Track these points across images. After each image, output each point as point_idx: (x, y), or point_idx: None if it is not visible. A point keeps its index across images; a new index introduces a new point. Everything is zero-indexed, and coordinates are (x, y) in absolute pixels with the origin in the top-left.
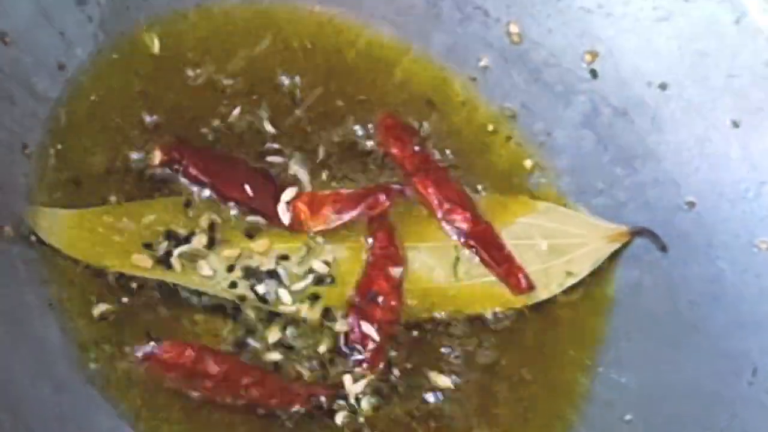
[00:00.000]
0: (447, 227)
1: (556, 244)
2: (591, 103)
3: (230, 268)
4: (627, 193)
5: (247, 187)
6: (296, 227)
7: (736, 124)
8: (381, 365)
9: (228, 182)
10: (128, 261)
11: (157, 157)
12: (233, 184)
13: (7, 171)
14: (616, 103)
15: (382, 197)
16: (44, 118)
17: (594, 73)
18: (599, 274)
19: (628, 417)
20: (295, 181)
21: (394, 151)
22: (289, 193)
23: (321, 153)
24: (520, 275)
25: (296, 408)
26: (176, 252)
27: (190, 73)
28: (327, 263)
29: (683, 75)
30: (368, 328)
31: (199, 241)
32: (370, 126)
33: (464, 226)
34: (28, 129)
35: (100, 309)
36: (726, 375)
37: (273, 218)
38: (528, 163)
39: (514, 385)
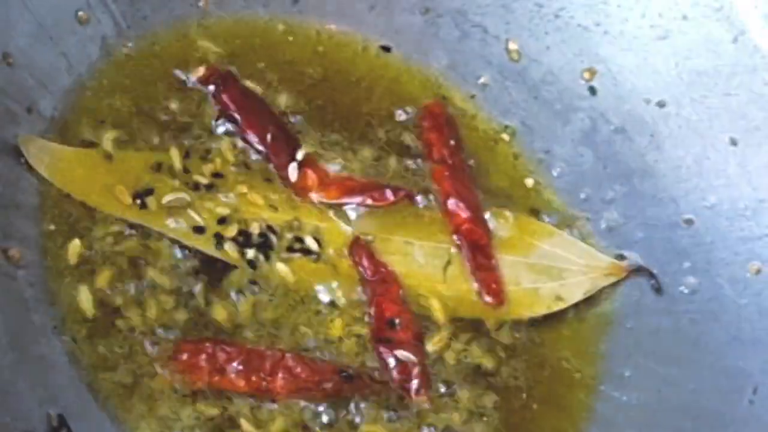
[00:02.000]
0: (447, 220)
1: (552, 267)
2: (590, 120)
3: (221, 221)
4: (625, 211)
5: (269, 136)
6: (299, 190)
7: (734, 142)
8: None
9: (253, 123)
10: (110, 200)
11: (200, 71)
12: (257, 127)
13: (13, 190)
14: (614, 120)
15: (389, 193)
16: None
17: (593, 91)
18: (600, 292)
19: None
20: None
21: (431, 136)
22: (302, 153)
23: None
24: (494, 288)
25: (327, 385)
26: (166, 199)
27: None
28: (317, 240)
29: (681, 93)
30: (404, 354)
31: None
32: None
33: (463, 225)
34: None
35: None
36: (727, 393)
37: (281, 171)
38: (529, 182)
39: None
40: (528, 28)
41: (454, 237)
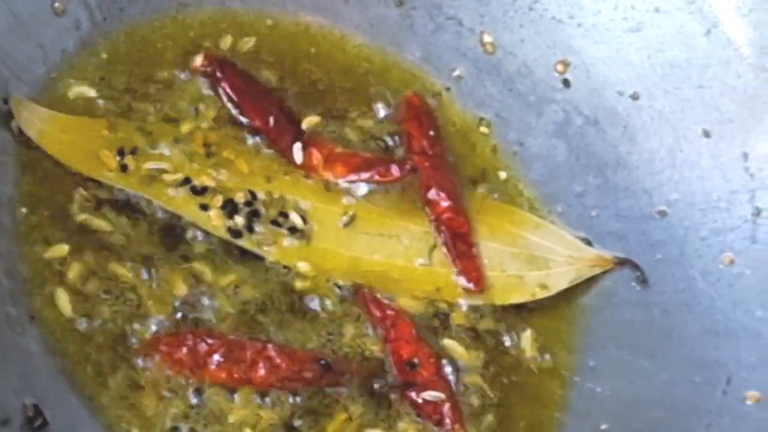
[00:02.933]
0: (427, 210)
1: (538, 257)
2: (563, 112)
3: (202, 190)
4: (599, 202)
5: (271, 119)
6: (306, 169)
7: (707, 134)
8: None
9: (255, 108)
10: (96, 165)
11: (199, 60)
12: (259, 112)
13: None
14: (588, 112)
15: (395, 169)
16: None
17: (566, 83)
18: (576, 285)
19: (603, 426)
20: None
21: (410, 127)
22: (299, 146)
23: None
24: (475, 275)
25: (307, 374)
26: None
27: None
28: (303, 218)
29: (654, 85)
30: (433, 395)
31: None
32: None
33: (443, 214)
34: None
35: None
36: (701, 384)
37: (286, 153)
38: (503, 174)
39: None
40: (502, 21)
41: (434, 225)
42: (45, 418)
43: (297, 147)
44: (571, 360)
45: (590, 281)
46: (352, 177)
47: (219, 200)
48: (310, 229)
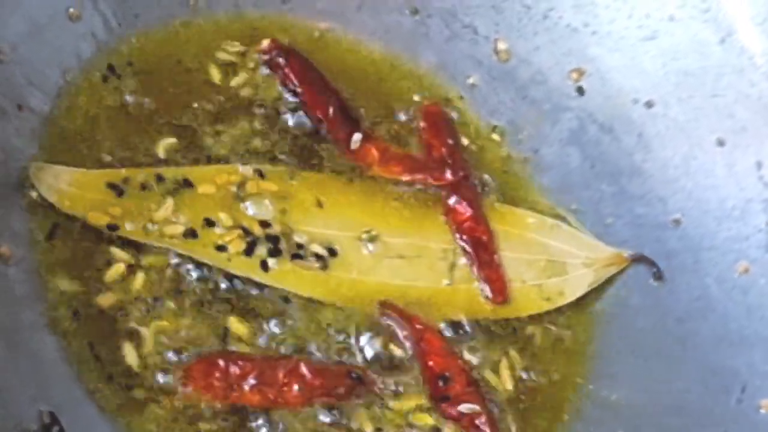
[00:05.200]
0: (448, 221)
1: (555, 262)
2: (578, 120)
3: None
4: (613, 210)
5: (331, 109)
6: (361, 163)
7: (721, 143)
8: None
9: (316, 97)
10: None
11: (265, 43)
12: (320, 101)
13: (3, 180)
14: (602, 120)
15: (448, 173)
16: (39, 133)
17: (581, 91)
18: (590, 291)
19: None
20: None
21: (429, 137)
22: (358, 137)
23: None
24: (499, 285)
25: (340, 390)
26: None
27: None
28: (328, 249)
29: (669, 93)
30: (468, 407)
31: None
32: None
33: (465, 223)
34: (24, 144)
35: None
36: (715, 392)
37: (342, 144)
38: (515, 182)
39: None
40: (517, 29)
41: (456, 235)
42: (61, 425)
43: (356, 138)
44: (586, 368)
45: (605, 286)
46: (406, 177)
47: (237, 238)
48: (334, 259)
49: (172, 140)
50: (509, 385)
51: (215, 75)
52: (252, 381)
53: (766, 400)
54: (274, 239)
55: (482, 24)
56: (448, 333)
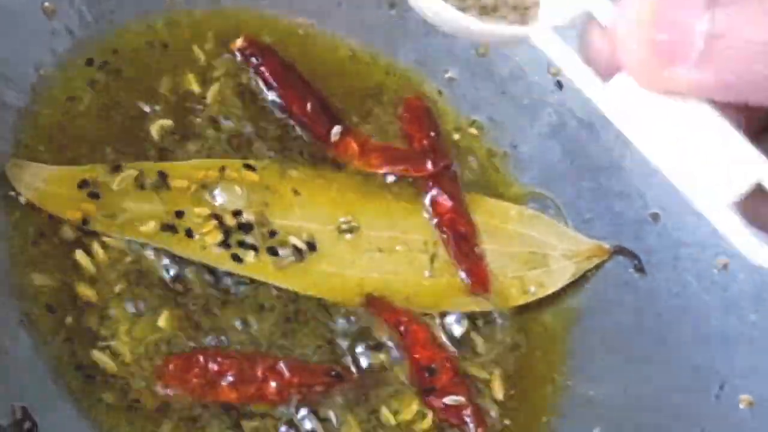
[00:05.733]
0: (429, 213)
1: (535, 254)
2: (557, 115)
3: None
4: (592, 206)
5: (309, 105)
6: (342, 157)
7: None
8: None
9: (293, 94)
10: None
11: (240, 42)
12: (297, 96)
13: None
14: (581, 115)
15: (429, 164)
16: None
17: (560, 86)
18: (568, 288)
19: (596, 430)
20: None
21: (411, 129)
22: (338, 129)
23: None
24: (480, 275)
25: (319, 388)
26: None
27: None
28: (305, 241)
29: None
30: (454, 399)
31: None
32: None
33: (446, 215)
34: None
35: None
36: (694, 389)
37: (323, 139)
38: (496, 177)
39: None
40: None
41: (437, 227)
42: (34, 421)
43: (335, 131)
44: (565, 365)
45: (583, 283)
46: (387, 169)
47: (213, 229)
48: (312, 252)
49: (167, 122)
50: (496, 384)
51: (192, 83)
52: (230, 378)
53: (746, 396)
54: (249, 230)
55: None
56: (432, 325)
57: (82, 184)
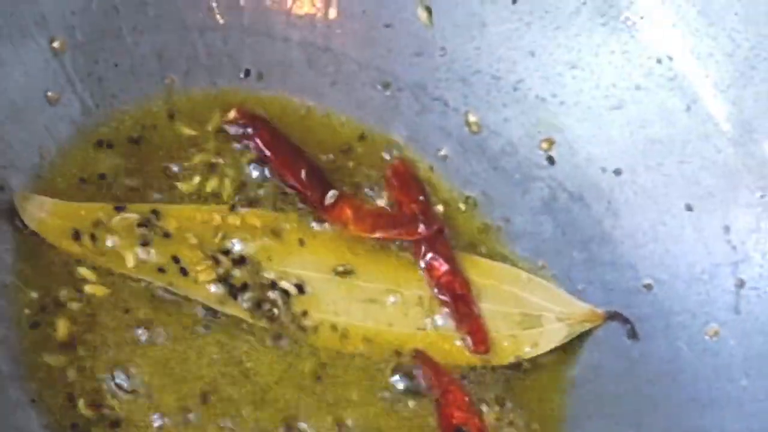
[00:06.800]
0: (425, 276)
1: (530, 315)
2: (549, 189)
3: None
4: (585, 276)
5: (303, 172)
6: (337, 222)
7: (689, 208)
8: None
9: (287, 163)
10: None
11: (232, 114)
12: (290, 166)
13: None
14: (572, 188)
15: (421, 227)
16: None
17: (551, 160)
18: (563, 354)
19: None
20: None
21: (399, 195)
22: (333, 194)
23: None
24: (480, 335)
25: None
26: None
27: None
28: (298, 287)
29: (636, 161)
30: None
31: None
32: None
33: (442, 278)
34: None
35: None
36: None
37: (317, 206)
38: (483, 249)
39: None
40: (486, 101)
41: (435, 290)
42: None
43: (331, 194)
44: (559, 430)
45: (576, 351)
46: (380, 233)
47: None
48: (301, 296)
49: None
50: None
51: (194, 181)
52: None
53: None
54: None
55: (452, 97)
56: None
57: (83, 221)
